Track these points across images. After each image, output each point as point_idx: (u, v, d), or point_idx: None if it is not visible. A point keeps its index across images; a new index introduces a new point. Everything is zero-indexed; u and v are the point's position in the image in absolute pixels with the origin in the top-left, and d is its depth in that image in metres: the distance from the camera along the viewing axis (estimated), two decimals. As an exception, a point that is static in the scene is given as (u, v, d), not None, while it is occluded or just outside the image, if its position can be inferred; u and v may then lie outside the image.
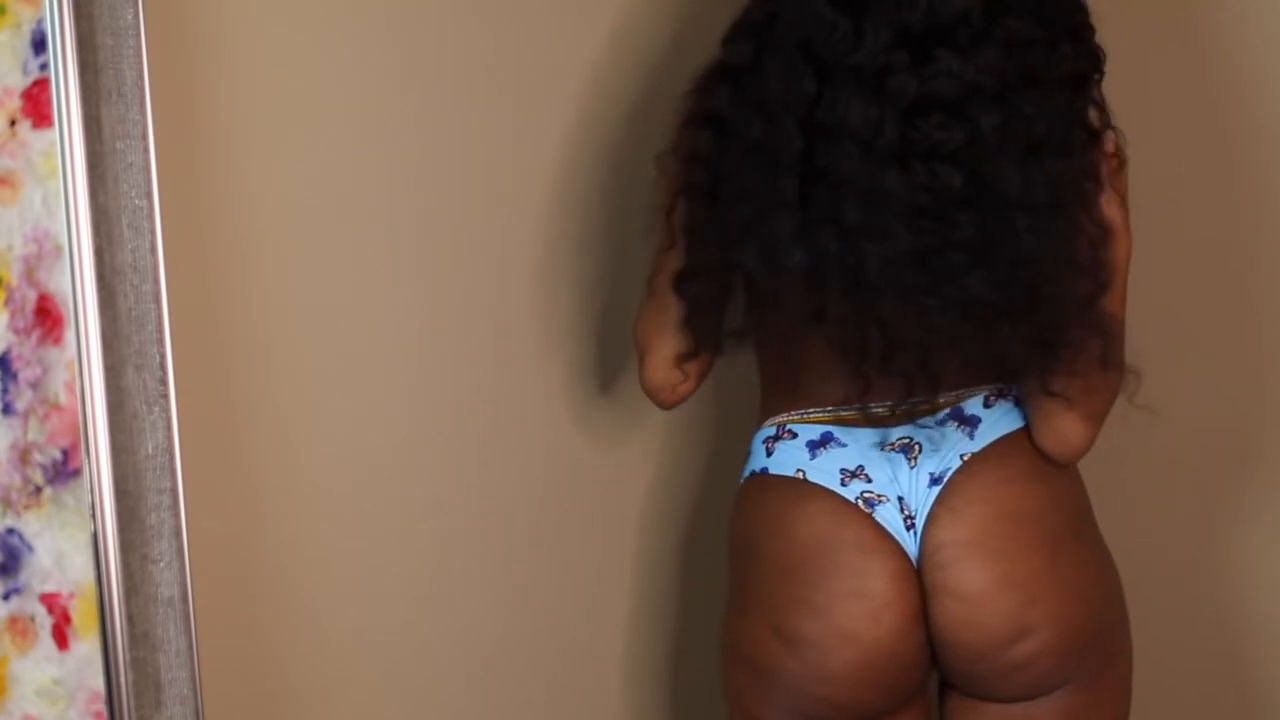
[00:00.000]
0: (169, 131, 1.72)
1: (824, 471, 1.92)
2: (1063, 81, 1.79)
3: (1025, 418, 1.91)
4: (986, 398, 1.91)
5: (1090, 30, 1.83)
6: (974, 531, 1.88)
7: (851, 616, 1.89)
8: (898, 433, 1.91)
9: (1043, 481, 1.90)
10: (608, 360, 2.20)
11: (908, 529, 1.91)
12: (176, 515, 1.72)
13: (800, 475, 1.91)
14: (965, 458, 1.90)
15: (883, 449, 1.91)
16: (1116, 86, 1.84)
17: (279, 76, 1.85)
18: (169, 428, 1.71)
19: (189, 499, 1.72)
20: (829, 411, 1.93)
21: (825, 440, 1.93)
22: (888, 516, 1.90)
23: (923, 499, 1.90)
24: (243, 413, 1.86)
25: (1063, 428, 1.87)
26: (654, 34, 2.16)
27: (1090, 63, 1.83)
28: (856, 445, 1.92)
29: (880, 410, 1.91)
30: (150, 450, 1.71)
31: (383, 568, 2.00)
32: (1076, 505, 1.93)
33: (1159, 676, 2.12)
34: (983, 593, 1.87)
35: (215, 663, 1.78)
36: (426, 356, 2.02)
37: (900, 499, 1.90)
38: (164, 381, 1.71)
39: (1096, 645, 1.90)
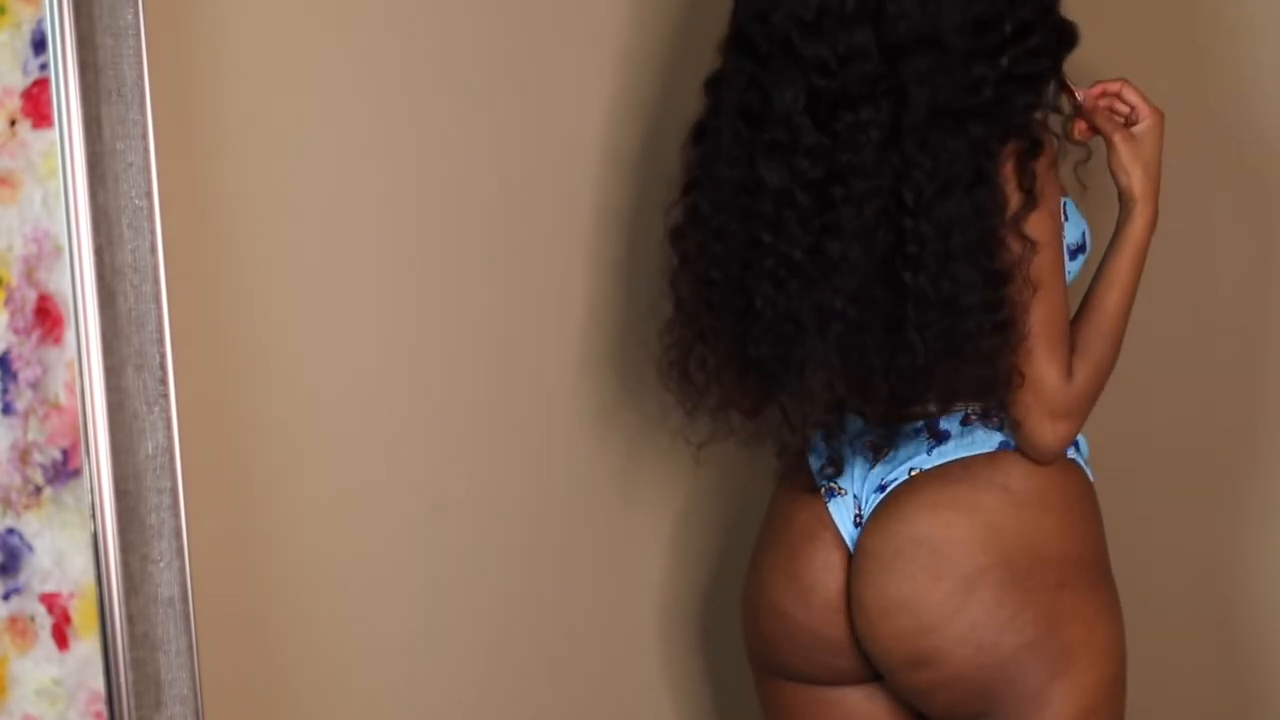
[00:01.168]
0: (169, 131, 1.72)
1: (818, 453, 1.96)
2: (973, 110, 1.77)
3: (1003, 443, 1.88)
4: (966, 415, 1.89)
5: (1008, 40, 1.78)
6: (888, 549, 1.88)
7: (781, 592, 1.96)
8: (875, 432, 1.92)
9: (977, 515, 1.86)
10: (610, 362, 2.20)
11: (855, 525, 1.93)
12: (176, 515, 1.72)
13: (808, 451, 1.97)
14: (914, 472, 1.90)
15: (864, 444, 1.93)
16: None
17: (279, 76, 1.85)
18: (169, 428, 1.71)
19: (189, 499, 1.72)
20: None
21: (842, 424, 1.96)
22: (840, 509, 1.94)
23: (869, 503, 1.92)
24: (243, 413, 1.86)
25: (1025, 430, 1.84)
26: (655, 35, 2.16)
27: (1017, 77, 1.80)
28: (855, 436, 1.94)
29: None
30: (150, 450, 1.71)
31: (382, 567, 2.00)
32: (1032, 550, 1.86)
33: (1160, 676, 2.12)
34: (879, 610, 1.88)
35: (215, 663, 1.78)
36: (426, 356, 2.02)
37: (855, 497, 1.93)
38: (164, 381, 1.71)
39: (1009, 693, 1.85)
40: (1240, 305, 2.34)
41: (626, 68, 2.13)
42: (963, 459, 1.88)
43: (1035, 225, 1.79)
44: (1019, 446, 1.87)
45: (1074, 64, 1.86)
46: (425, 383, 2.02)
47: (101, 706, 1.70)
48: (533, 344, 2.11)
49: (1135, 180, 1.86)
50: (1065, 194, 1.90)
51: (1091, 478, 1.93)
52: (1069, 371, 1.82)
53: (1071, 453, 1.91)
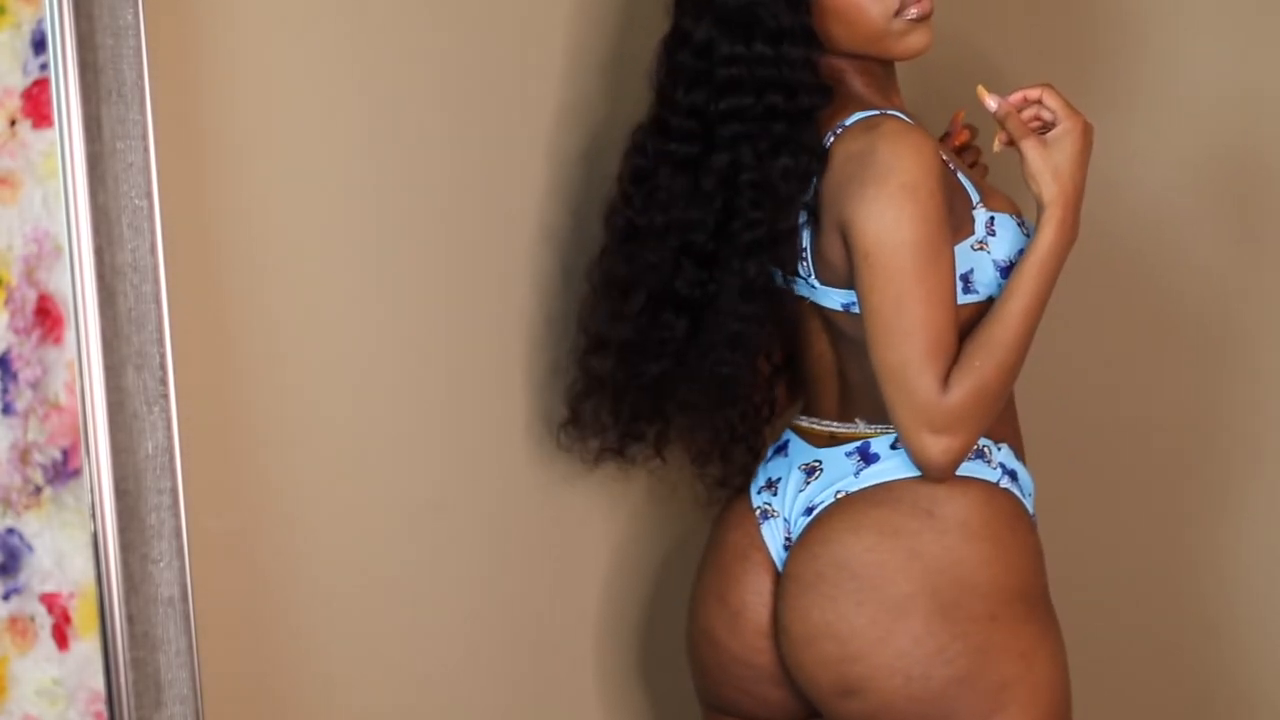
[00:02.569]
0: (169, 131, 1.72)
1: (759, 476, 1.97)
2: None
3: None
4: (896, 439, 1.87)
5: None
6: (810, 572, 1.86)
7: (713, 618, 1.97)
8: (812, 454, 1.93)
9: (900, 540, 1.83)
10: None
11: (785, 548, 1.92)
12: (176, 515, 1.72)
13: (754, 474, 1.98)
14: (840, 495, 1.88)
15: (798, 466, 1.93)
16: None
17: (279, 76, 1.85)
18: (169, 428, 1.71)
19: (189, 499, 1.72)
20: (800, 419, 1.98)
21: (782, 446, 1.99)
22: (771, 532, 1.93)
23: (797, 525, 1.91)
24: (243, 413, 1.86)
25: (906, 443, 1.81)
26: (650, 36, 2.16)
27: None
28: (792, 457, 1.96)
29: (815, 426, 1.94)
30: (150, 450, 1.71)
31: (382, 567, 2.00)
32: (958, 579, 1.83)
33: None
34: (803, 636, 1.86)
35: (215, 663, 1.78)
36: (427, 356, 2.02)
37: (786, 519, 1.92)
38: (164, 381, 1.70)
39: None
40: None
41: (624, 70, 2.14)
42: (888, 482, 1.86)
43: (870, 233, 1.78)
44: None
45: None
46: (425, 382, 2.02)
47: (101, 706, 1.70)
48: (536, 344, 2.11)
49: (1044, 187, 1.80)
50: (1005, 208, 1.88)
51: (1031, 512, 1.91)
52: (944, 383, 1.77)
53: (1007, 483, 1.87)
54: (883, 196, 1.77)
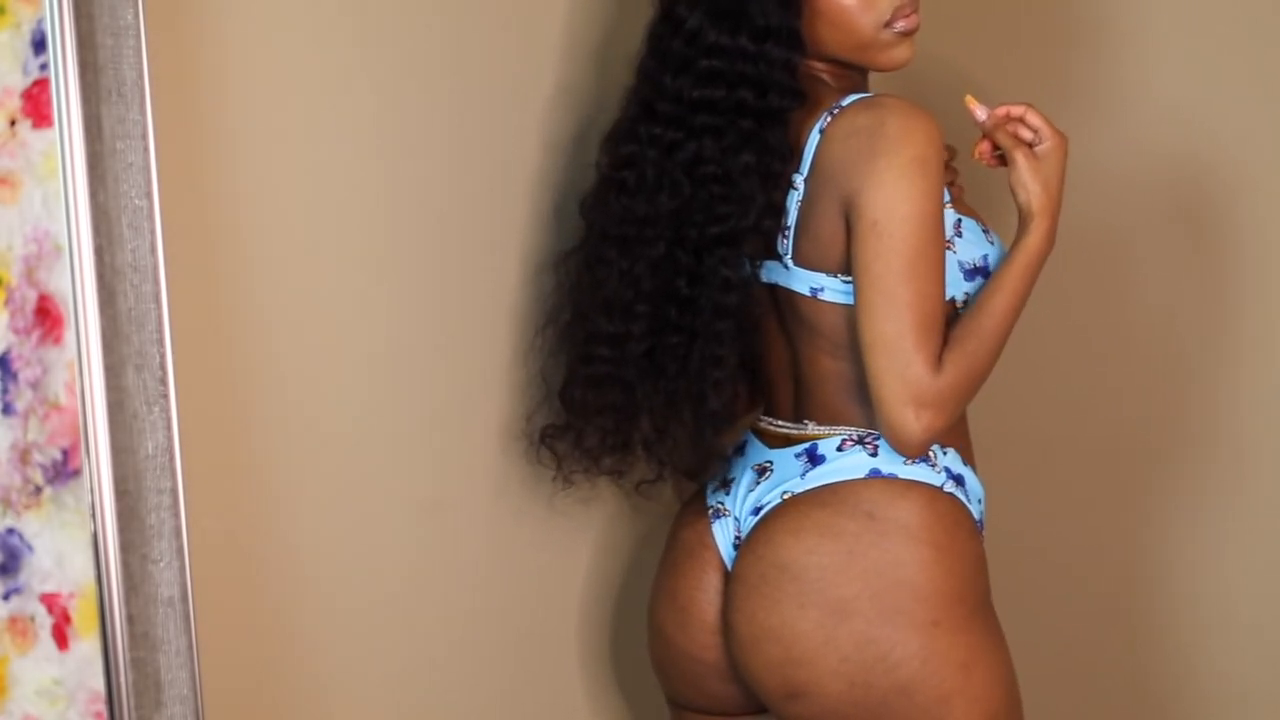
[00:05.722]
0: (169, 131, 1.72)
1: (716, 476, 2.00)
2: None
3: (874, 470, 1.87)
4: (843, 441, 1.89)
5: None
6: (754, 574, 1.88)
7: (664, 614, 2.00)
8: (766, 454, 1.95)
9: (840, 542, 1.84)
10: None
11: (735, 548, 1.94)
12: (176, 515, 1.72)
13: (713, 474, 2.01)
14: (786, 496, 1.90)
15: (751, 466, 1.96)
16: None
17: (279, 76, 1.85)
18: (169, 428, 1.71)
19: (189, 499, 1.72)
20: (760, 419, 2.00)
21: (742, 446, 2.01)
22: (721, 531, 1.96)
23: (746, 525, 1.93)
24: (243, 413, 1.86)
25: (884, 415, 1.81)
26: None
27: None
28: (747, 456, 1.98)
29: (770, 427, 1.96)
30: (150, 450, 1.71)
31: (383, 567, 2.00)
32: (898, 582, 1.84)
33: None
34: (750, 638, 1.88)
35: (215, 663, 1.78)
36: (426, 355, 2.02)
37: (736, 518, 1.95)
38: (164, 381, 1.70)
39: None
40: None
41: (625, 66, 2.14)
42: (832, 484, 1.88)
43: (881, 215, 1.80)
44: (882, 436, 1.84)
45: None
46: (425, 382, 2.02)
47: (101, 706, 1.70)
48: (535, 343, 2.11)
49: (1034, 196, 1.84)
50: (972, 215, 1.91)
51: (977, 518, 1.91)
52: (937, 362, 1.79)
53: (951, 488, 1.88)
54: (895, 167, 1.79)
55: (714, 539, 1.96)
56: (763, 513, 1.90)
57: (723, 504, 1.96)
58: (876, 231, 1.79)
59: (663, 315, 1.93)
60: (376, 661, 2.01)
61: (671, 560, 2.00)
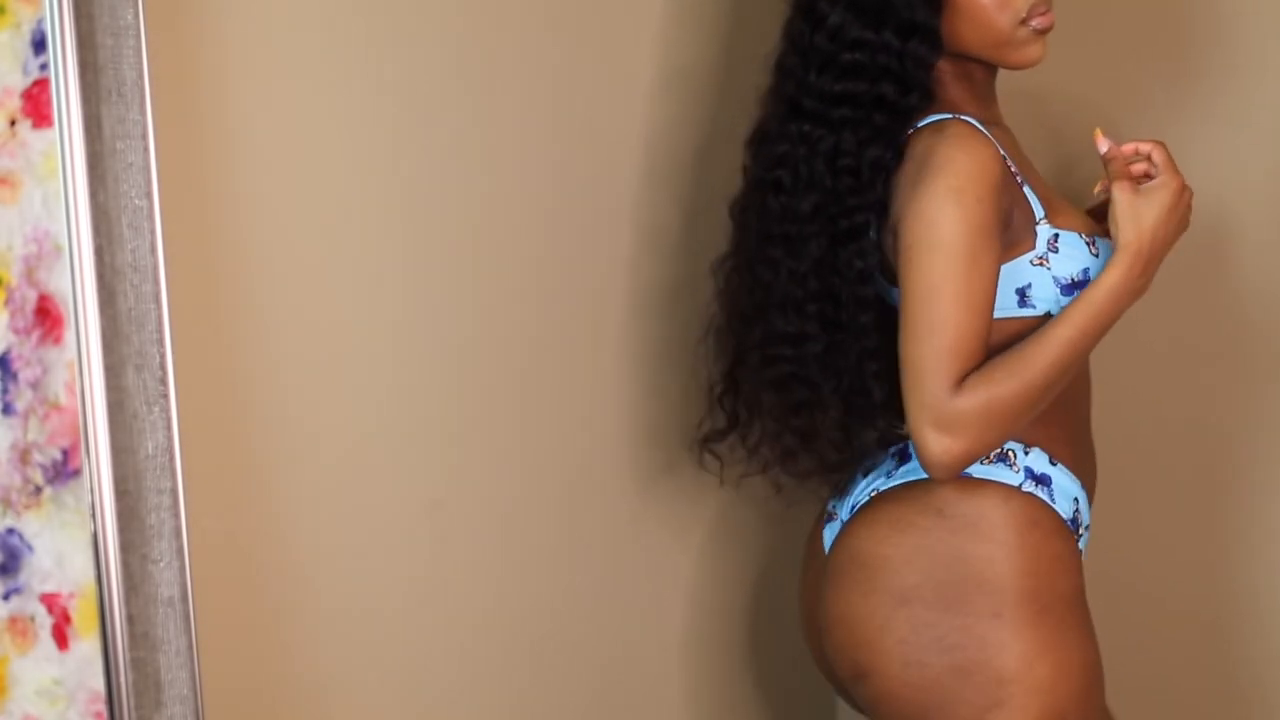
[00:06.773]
0: (169, 131, 1.72)
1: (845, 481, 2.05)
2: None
3: None
4: None
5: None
6: (834, 566, 1.95)
7: (802, 618, 2.08)
8: (874, 454, 2.01)
9: (909, 535, 1.88)
10: (612, 364, 2.20)
11: None
12: (176, 515, 1.72)
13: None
14: (874, 493, 1.96)
15: (860, 468, 2.02)
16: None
17: (279, 76, 1.85)
18: (169, 428, 1.71)
19: (189, 499, 1.72)
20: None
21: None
22: (830, 533, 2.01)
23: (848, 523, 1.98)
24: (243, 413, 1.86)
25: (911, 433, 1.83)
26: (667, 38, 2.16)
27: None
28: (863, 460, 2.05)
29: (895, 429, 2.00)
30: (150, 450, 1.71)
31: (383, 567, 2.00)
32: (964, 575, 1.86)
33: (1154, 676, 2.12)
34: (827, 626, 1.95)
35: (215, 663, 1.78)
36: (427, 355, 2.02)
37: (841, 520, 2.00)
38: (164, 381, 1.70)
39: (944, 713, 1.86)
40: (1223, 306, 2.34)
41: (645, 68, 2.14)
42: (910, 482, 1.92)
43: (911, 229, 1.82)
44: None
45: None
46: (426, 382, 2.02)
47: (101, 706, 1.70)
48: (538, 342, 2.11)
49: (1122, 231, 1.83)
50: (1077, 229, 1.90)
51: (1068, 518, 1.90)
52: (957, 384, 1.79)
53: (1030, 487, 1.88)
54: (929, 195, 1.82)
55: (823, 542, 2.02)
56: (855, 509, 1.96)
57: (835, 509, 2.02)
58: (907, 257, 1.83)
59: (828, 311, 1.95)
60: (376, 662, 2.01)
61: (802, 566, 2.08)
